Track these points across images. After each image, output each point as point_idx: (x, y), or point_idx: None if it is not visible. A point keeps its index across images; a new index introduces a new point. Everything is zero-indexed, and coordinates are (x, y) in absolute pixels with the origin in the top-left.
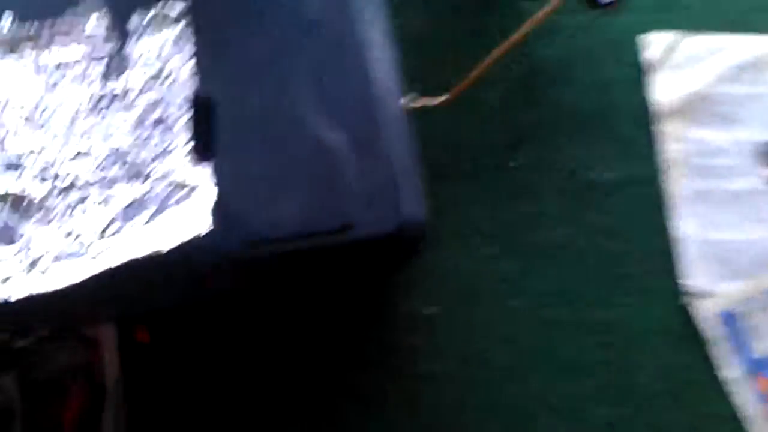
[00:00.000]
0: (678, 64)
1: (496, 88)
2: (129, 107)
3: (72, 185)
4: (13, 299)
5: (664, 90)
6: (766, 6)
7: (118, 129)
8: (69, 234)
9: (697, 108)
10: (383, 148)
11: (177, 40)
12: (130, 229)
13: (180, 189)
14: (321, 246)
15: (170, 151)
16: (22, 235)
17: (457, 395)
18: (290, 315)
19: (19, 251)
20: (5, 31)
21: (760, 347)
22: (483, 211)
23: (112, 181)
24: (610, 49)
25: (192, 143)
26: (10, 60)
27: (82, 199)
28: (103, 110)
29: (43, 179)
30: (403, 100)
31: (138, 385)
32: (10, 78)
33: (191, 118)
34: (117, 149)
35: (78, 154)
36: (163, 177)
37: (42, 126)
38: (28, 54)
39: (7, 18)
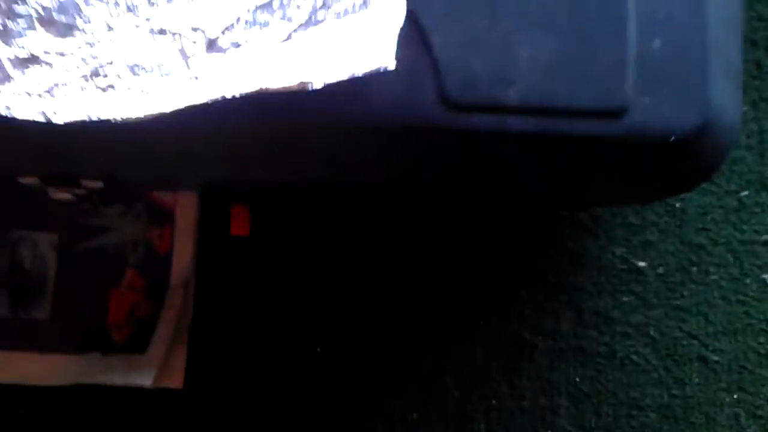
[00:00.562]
0: None
1: None
2: None
3: None
4: (59, 121)
5: None
6: None
7: None
8: (161, 31)
9: None
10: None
11: None
12: (259, 42)
13: None
14: (569, 133)
15: None
16: (88, 21)
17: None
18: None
19: (79, 48)
20: None
21: None
22: None
23: None
24: None
25: None
26: None
27: None
28: None
29: None
30: None
31: (215, 284)
32: None
33: None
34: None
35: None
36: None
37: None
38: None
39: None
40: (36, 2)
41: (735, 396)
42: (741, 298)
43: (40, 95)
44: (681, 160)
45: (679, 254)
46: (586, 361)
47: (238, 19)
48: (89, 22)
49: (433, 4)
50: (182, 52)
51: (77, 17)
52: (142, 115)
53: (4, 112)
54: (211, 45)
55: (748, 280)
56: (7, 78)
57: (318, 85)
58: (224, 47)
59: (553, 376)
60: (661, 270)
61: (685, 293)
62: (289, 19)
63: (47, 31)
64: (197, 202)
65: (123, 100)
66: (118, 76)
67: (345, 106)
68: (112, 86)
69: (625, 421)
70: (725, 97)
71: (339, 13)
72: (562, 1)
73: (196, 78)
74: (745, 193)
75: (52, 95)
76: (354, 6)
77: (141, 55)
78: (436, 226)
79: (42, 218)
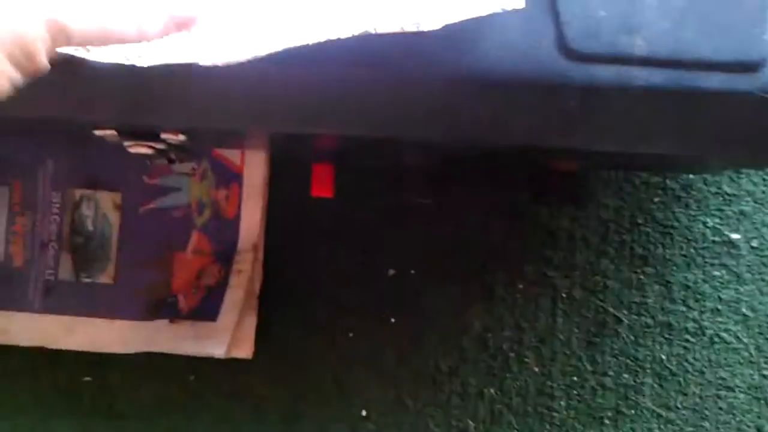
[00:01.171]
0: None
1: None
2: None
3: None
4: (144, 64)
5: None
6: None
7: None
8: None
9: None
10: None
11: None
12: None
13: None
14: (699, 88)
15: None
16: None
17: None
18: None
19: None
20: None
21: None
22: None
23: None
24: None
25: None
26: None
27: None
28: None
29: None
30: None
31: (287, 248)
32: None
33: None
34: None
35: None
36: None
37: None
38: None
39: None
40: None
41: None
42: None
43: None
44: None
45: None
46: (673, 337)
47: None
48: None
49: None
50: None
51: None
52: (234, 60)
53: (85, 55)
54: None
55: None
56: None
57: (435, 26)
58: None
59: (638, 353)
60: (755, 243)
61: None
62: None
63: None
64: (267, 161)
65: (212, 42)
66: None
67: (454, 55)
68: (201, 28)
69: (713, 402)
70: None
71: None
72: None
73: (293, 18)
74: None
75: None
76: None
77: None
78: (515, 194)
79: (103, 176)
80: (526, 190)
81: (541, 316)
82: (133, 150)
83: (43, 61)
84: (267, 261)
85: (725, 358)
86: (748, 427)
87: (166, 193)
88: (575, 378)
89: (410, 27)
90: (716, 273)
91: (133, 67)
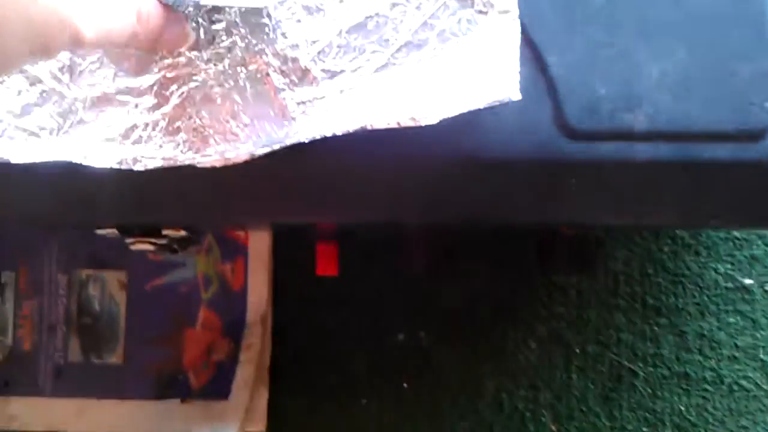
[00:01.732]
0: None
1: None
2: None
3: None
4: (140, 168)
5: None
6: None
7: None
8: (250, 68)
9: None
10: None
11: None
12: (356, 70)
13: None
14: (702, 159)
15: None
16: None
17: None
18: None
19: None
20: None
21: None
22: None
23: None
24: None
25: None
26: None
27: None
28: None
29: None
30: None
31: (295, 323)
32: None
33: None
34: None
35: None
36: None
37: None
38: None
39: None
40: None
41: None
42: None
43: (118, 141)
44: None
45: None
46: (691, 387)
47: (330, 45)
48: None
49: (547, 17)
50: (273, 87)
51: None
52: (232, 160)
53: (82, 161)
54: (304, 76)
55: None
56: (81, 122)
57: (432, 121)
58: (318, 77)
59: (656, 406)
60: None
61: None
62: (386, 42)
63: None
64: (270, 233)
65: (209, 142)
66: (204, 117)
67: (452, 137)
68: (197, 129)
69: None
70: None
71: (443, 31)
72: (691, 7)
73: (292, 117)
74: None
75: (130, 140)
76: (460, 25)
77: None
78: (525, 251)
79: (108, 256)
80: (534, 255)
81: (555, 374)
82: (134, 247)
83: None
84: (275, 332)
85: (745, 406)
86: None
87: (171, 269)
88: None
89: (407, 122)
90: (731, 320)
91: (130, 170)
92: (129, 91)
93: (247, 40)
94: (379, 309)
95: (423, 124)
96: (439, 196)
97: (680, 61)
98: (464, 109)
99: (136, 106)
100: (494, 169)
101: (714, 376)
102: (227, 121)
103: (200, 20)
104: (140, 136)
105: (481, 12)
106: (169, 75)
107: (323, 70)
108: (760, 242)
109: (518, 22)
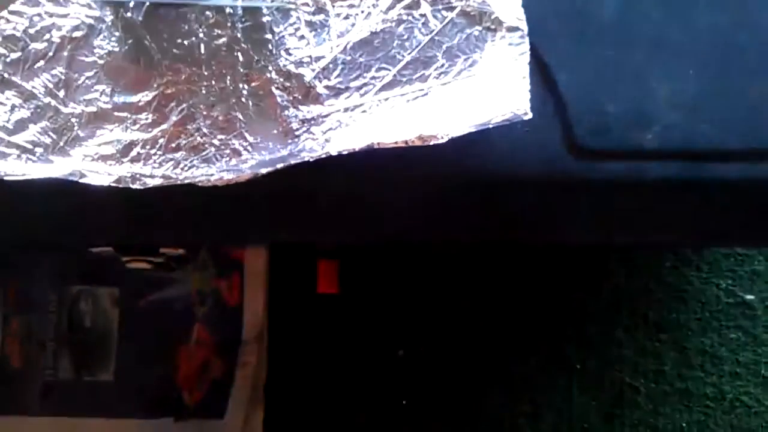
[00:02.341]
0: None
1: None
2: None
3: None
4: (139, 186)
5: None
6: None
7: None
8: (253, 85)
9: None
10: None
11: None
12: (361, 87)
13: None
14: (713, 178)
15: None
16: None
17: None
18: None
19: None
20: None
21: None
22: None
23: None
24: None
25: None
26: None
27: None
28: None
29: None
30: None
31: (292, 341)
32: None
33: None
34: None
35: None
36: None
37: None
38: None
39: None
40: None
41: None
42: None
43: (115, 158)
44: None
45: None
46: (693, 404)
47: (335, 61)
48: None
49: (556, 36)
50: (277, 104)
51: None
52: (233, 179)
53: (76, 179)
54: (308, 94)
55: None
56: (76, 138)
57: (441, 140)
58: (323, 95)
59: (658, 422)
60: None
61: None
62: (393, 59)
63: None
64: (267, 249)
65: (210, 161)
66: (205, 135)
67: (461, 157)
68: (197, 147)
69: None
70: None
71: (451, 48)
72: (701, 26)
73: (296, 136)
74: None
75: (128, 158)
76: (468, 43)
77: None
78: (525, 268)
79: (101, 271)
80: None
81: (556, 390)
82: (131, 266)
83: None
84: (272, 349)
85: (747, 423)
86: None
87: (165, 285)
88: None
89: (414, 141)
90: (732, 335)
91: (128, 188)
92: (127, 108)
93: (249, 56)
94: (378, 325)
95: (431, 143)
96: (447, 215)
97: (690, 80)
98: (473, 128)
99: (134, 122)
100: (503, 188)
101: (715, 392)
102: (229, 139)
103: (201, 35)
104: (138, 154)
105: (489, 29)
106: (168, 91)
107: (328, 87)
108: (761, 258)
109: (527, 39)
